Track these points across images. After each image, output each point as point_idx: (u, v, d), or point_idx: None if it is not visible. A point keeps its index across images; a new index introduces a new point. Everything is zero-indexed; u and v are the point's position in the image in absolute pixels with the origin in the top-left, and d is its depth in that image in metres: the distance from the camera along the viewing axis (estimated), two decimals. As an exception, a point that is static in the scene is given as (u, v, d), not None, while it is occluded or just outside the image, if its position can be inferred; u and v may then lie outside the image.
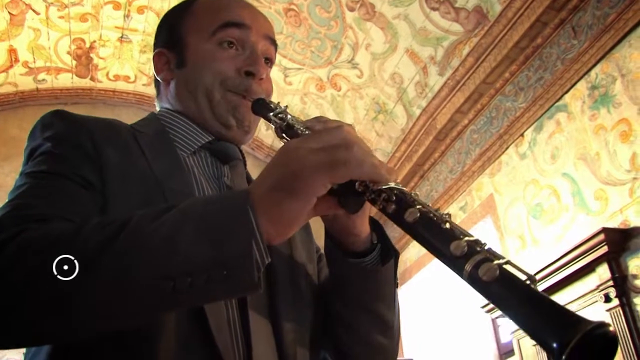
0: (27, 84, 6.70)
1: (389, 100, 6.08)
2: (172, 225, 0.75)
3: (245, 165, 1.21)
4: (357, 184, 0.82)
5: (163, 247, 0.73)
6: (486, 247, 0.71)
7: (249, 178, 1.20)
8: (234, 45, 1.16)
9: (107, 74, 6.96)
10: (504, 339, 6.03)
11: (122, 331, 0.81)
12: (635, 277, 3.56)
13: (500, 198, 4.99)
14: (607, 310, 3.62)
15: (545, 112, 4.47)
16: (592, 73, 4.04)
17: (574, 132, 4.18)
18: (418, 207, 0.77)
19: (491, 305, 4.70)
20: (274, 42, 1.23)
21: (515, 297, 0.66)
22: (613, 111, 3.85)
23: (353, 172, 0.78)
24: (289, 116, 1.02)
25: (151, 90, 7.10)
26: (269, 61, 1.23)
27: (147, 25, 6.35)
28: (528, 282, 0.68)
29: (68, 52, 6.54)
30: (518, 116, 4.73)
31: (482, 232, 5.36)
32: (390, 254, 1.04)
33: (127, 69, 6.92)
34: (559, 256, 3.97)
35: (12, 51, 6.27)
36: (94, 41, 6.49)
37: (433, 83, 5.54)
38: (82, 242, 0.75)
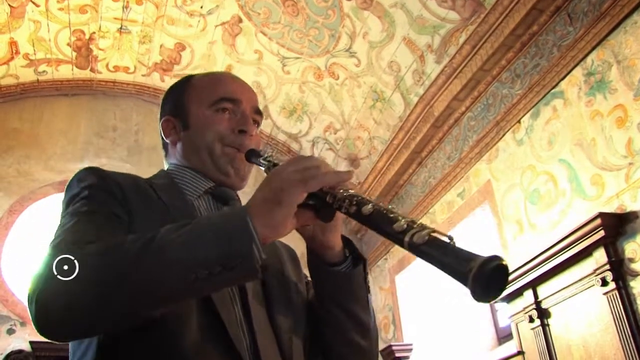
0: (28, 75, 6.74)
1: (387, 88, 6.11)
2: (191, 233, 1.01)
3: (241, 204, 1.39)
4: (327, 197, 1.07)
5: (186, 249, 0.99)
6: (419, 223, 0.95)
7: None
8: (228, 111, 1.42)
9: (107, 65, 6.99)
10: (502, 324, 6.10)
11: (152, 328, 1.08)
12: (631, 260, 3.61)
13: (498, 184, 5.04)
14: (604, 294, 3.69)
15: (542, 98, 4.51)
16: (588, 59, 4.08)
17: (570, 118, 4.23)
18: (371, 204, 1.02)
19: (490, 290, 4.77)
20: (259, 112, 1.48)
21: (439, 251, 0.91)
22: (609, 97, 3.90)
23: (321, 182, 1.05)
24: (274, 159, 1.30)
25: (151, 81, 7.15)
26: (256, 123, 1.47)
27: (146, 16, 6.38)
28: (449, 241, 0.91)
29: (68, 44, 6.56)
30: (515, 103, 4.77)
31: (480, 218, 5.42)
32: (358, 260, 1.29)
33: (127, 59, 6.95)
34: (556, 241, 4.02)
35: (12, 43, 6.30)
36: (94, 32, 6.52)
37: (430, 71, 5.58)
38: (126, 249, 1.02)
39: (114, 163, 6.73)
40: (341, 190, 1.07)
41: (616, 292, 3.63)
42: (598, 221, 3.70)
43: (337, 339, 1.32)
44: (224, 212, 1.12)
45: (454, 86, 5.37)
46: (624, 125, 3.76)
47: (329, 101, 6.76)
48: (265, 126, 7.36)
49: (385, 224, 0.98)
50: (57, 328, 1.03)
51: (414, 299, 6.63)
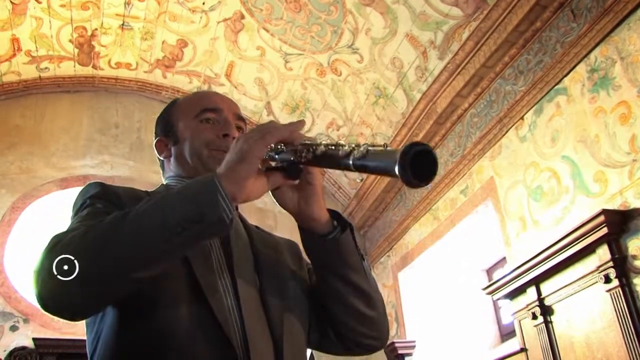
0: (30, 72, 6.73)
1: (389, 84, 6.10)
2: (162, 198, 1.14)
3: (237, 209, 1.50)
4: (287, 153, 1.16)
5: (159, 211, 1.10)
6: (364, 145, 1.02)
7: (242, 220, 1.53)
8: (211, 121, 1.52)
9: (109, 62, 6.98)
10: (505, 321, 6.11)
11: (145, 315, 1.20)
12: (634, 257, 3.60)
13: (501, 181, 5.03)
14: (607, 291, 3.68)
15: (545, 95, 4.50)
16: (592, 56, 4.06)
17: (574, 115, 4.22)
18: (323, 145, 1.10)
19: (492, 287, 4.77)
20: (241, 118, 1.57)
21: (376, 158, 0.99)
22: (612, 94, 3.88)
23: (275, 135, 1.15)
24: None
25: (153, 78, 7.15)
26: (240, 129, 1.55)
27: (148, 12, 6.37)
28: (384, 146, 0.99)
29: (70, 41, 6.56)
30: (518, 99, 4.76)
31: (483, 215, 5.41)
32: (345, 226, 1.36)
33: (129, 56, 6.94)
34: (559, 238, 4.01)
35: (14, 40, 6.30)
36: (96, 29, 6.51)
37: (433, 67, 5.56)
38: (106, 222, 1.14)
39: (116, 160, 6.73)
40: (295, 141, 1.16)
41: (619, 289, 3.62)
42: (601, 218, 3.69)
43: (339, 309, 1.39)
44: (196, 179, 1.18)
45: (457, 83, 5.35)
46: (627, 121, 3.75)
47: (332, 98, 6.75)
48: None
49: (335, 156, 1.06)
50: (59, 303, 1.17)
51: (417, 296, 6.63)
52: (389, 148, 0.98)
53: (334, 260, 1.34)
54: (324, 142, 1.12)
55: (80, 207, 1.33)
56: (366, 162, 1.00)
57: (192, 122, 1.53)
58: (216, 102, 1.56)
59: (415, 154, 0.92)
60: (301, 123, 1.21)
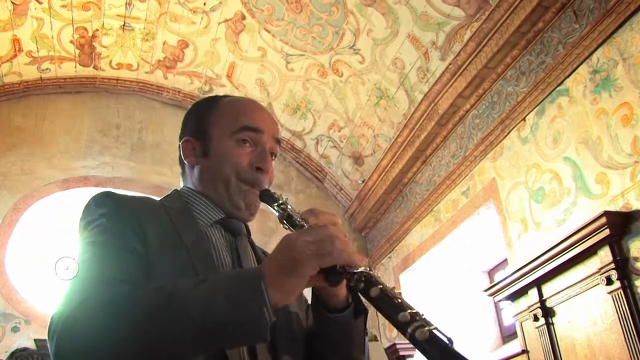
0: (31, 73, 6.74)
1: (391, 85, 6.09)
2: (207, 294, 1.06)
3: (249, 236, 1.51)
4: (338, 266, 1.12)
5: (202, 310, 1.03)
6: (422, 317, 1.02)
7: (252, 247, 1.50)
8: (249, 143, 1.45)
9: (110, 63, 6.98)
10: (506, 322, 6.10)
11: None
12: (636, 259, 3.59)
13: (502, 182, 5.02)
14: (609, 293, 3.67)
15: (547, 96, 4.49)
16: (594, 57, 4.05)
17: (576, 116, 4.20)
18: (379, 286, 1.08)
19: (494, 289, 4.76)
20: (278, 142, 1.52)
21: (438, 351, 0.96)
22: (614, 95, 3.87)
23: (335, 260, 1.10)
24: (289, 207, 1.34)
25: (154, 79, 7.15)
26: (274, 155, 1.50)
27: (149, 13, 6.37)
28: (448, 342, 0.98)
29: (71, 41, 6.56)
30: (520, 100, 4.75)
31: (485, 216, 5.40)
32: (361, 311, 1.34)
33: (130, 57, 6.94)
34: (560, 239, 4.00)
35: (15, 41, 6.30)
36: (97, 30, 6.51)
37: (435, 68, 5.55)
38: (145, 301, 1.06)
39: (117, 161, 6.73)
40: (351, 267, 1.13)
41: (621, 291, 3.61)
42: (603, 220, 3.68)
43: None
44: (241, 274, 1.15)
45: (459, 84, 5.34)
46: (629, 123, 3.74)
47: (333, 98, 6.74)
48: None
49: (390, 310, 1.05)
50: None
51: (418, 297, 6.62)
52: (454, 347, 0.97)
53: (344, 341, 1.33)
54: (380, 281, 1.10)
55: (93, 223, 1.27)
56: (428, 348, 0.97)
57: (229, 141, 1.44)
58: (258, 122, 1.47)
59: None
60: (365, 261, 1.17)
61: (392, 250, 6.99)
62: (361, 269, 1.11)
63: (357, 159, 7.09)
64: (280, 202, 1.36)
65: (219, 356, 1.17)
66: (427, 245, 6.26)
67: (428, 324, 0.99)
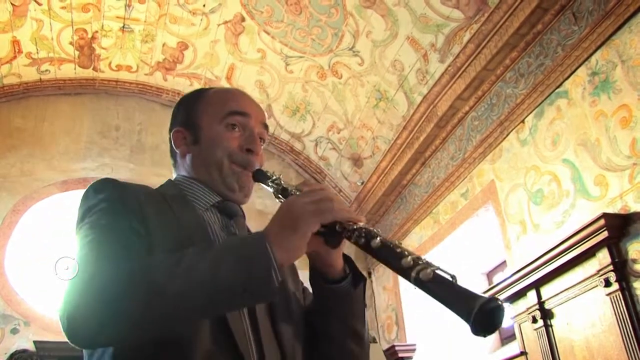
0: (30, 75, 6.74)
1: (390, 87, 6.10)
2: (215, 258, 1.10)
3: (244, 219, 1.54)
4: (337, 226, 1.16)
5: (212, 274, 1.07)
6: (424, 260, 1.05)
7: (248, 229, 1.52)
8: (237, 127, 1.49)
9: (110, 64, 6.99)
10: (505, 324, 6.09)
11: (166, 338, 1.14)
12: (635, 261, 3.60)
13: (501, 184, 5.03)
14: (607, 295, 3.68)
15: (546, 98, 4.50)
16: (593, 59, 4.06)
17: (575, 118, 4.21)
18: (379, 238, 1.12)
19: (493, 291, 4.77)
20: (266, 127, 1.58)
21: (443, 289, 1.00)
22: (613, 97, 3.88)
23: (335, 216, 1.15)
24: (282, 182, 1.40)
25: (153, 80, 7.16)
26: (262, 140, 1.55)
27: (149, 14, 6.38)
28: (451, 279, 1.01)
29: (70, 43, 6.57)
30: (519, 103, 4.75)
31: (484, 218, 5.41)
32: (359, 280, 1.37)
33: (129, 58, 6.95)
34: (559, 241, 4.01)
35: (15, 42, 6.31)
36: (96, 31, 6.52)
37: (434, 70, 5.56)
38: (156, 269, 1.10)
39: (117, 162, 6.73)
40: (350, 222, 1.16)
41: (619, 293, 3.62)
42: (602, 222, 3.70)
43: (333, 349, 1.40)
44: (246, 238, 1.19)
45: (458, 85, 5.35)
46: (628, 125, 3.75)
47: (332, 100, 6.75)
48: (269, 125, 7.35)
49: (393, 258, 1.08)
50: (90, 339, 1.11)
51: (417, 298, 6.62)
52: (458, 283, 1.00)
53: (343, 311, 1.36)
54: (379, 233, 1.14)
55: (94, 208, 1.29)
56: (432, 286, 1.01)
57: (218, 126, 1.49)
58: (245, 107, 1.52)
59: (489, 310, 0.96)
60: (362, 218, 1.19)
61: (392, 251, 6.98)
62: (360, 224, 1.15)
63: (356, 161, 7.09)
64: (274, 178, 1.41)
65: (223, 331, 1.20)
66: (426, 247, 6.26)
67: (431, 265, 1.02)
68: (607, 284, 3.69)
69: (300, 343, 1.38)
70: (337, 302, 1.35)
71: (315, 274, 1.35)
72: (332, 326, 1.38)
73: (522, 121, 4.76)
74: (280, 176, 1.43)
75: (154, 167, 6.63)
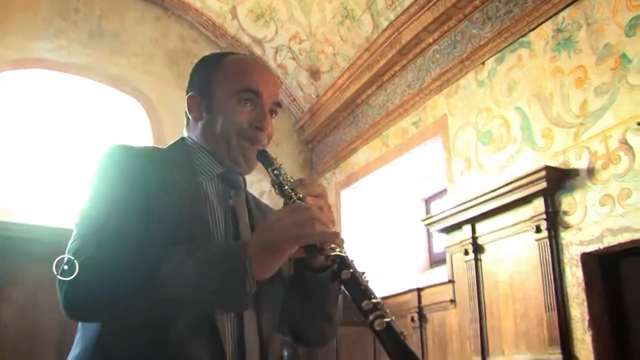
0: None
1: (357, 7, 6.09)
2: (201, 269, 1.23)
3: (246, 189, 1.63)
4: (317, 245, 1.27)
5: (196, 281, 1.22)
6: (383, 307, 1.14)
7: (247, 199, 1.61)
8: (250, 102, 1.54)
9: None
10: (436, 250, 6.46)
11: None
12: (565, 213, 3.90)
13: (453, 119, 5.21)
14: (536, 240, 3.99)
15: (509, 45, 4.62)
16: (560, 16, 4.18)
17: (533, 70, 4.38)
18: (351, 270, 1.22)
19: (431, 220, 5.05)
20: (278, 104, 1.62)
21: (391, 341, 1.10)
22: (573, 56, 4.05)
23: (315, 240, 1.26)
24: (282, 173, 1.47)
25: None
26: (274, 113, 1.61)
27: None
28: (401, 335, 1.11)
29: None
30: (482, 44, 4.87)
31: (431, 149, 5.62)
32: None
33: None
34: (501, 185, 4.28)
35: None
36: None
37: (404, -3, 5.57)
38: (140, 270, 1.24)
39: (74, 46, 6.53)
40: (328, 248, 1.26)
41: (547, 240, 3.94)
42: (543, 173, 3.94)
43: (307, 327, 1.59)
44: (229, 251, 1.30)
45: (425, 17, 5.38)
46: (582, 86, 3.93)
47: (299, 11, 6.69)
48: (231, 27, 7.27)
49: (356, 294, 1.19)
50: (83, 313, 1.29)
51: (357, 215, 6.89)
52: (405, 340, 1.11)
53: (321, 297, 1.50)
54: (352, 265, 1.24)
55: (103, 176, 1.40)
56: (383, 335, 1.11)
57: (231, 99, 1.54)
58: (259, 85, 1.55)
59: None
60: (338, 236, 1.29)
61: (337, 166, 7.18)
62: (337, 252, 1.25)
63: (314, 74, 7.14)
64: (275, 167, 1.49)
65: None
66: (372, 167, 6.47)
67: (387, 315, 1.13)
68: (538, 230, 3.99)
69: (277, 319, 1.52)
70: (317, 290, 1.48)
71: (298, 261, 1.48)
72: (309, 310, 1.52)
73: (483, 63, 4.89)
74: (281, 166, 1.50)
75: (113, 55, 6.46)
